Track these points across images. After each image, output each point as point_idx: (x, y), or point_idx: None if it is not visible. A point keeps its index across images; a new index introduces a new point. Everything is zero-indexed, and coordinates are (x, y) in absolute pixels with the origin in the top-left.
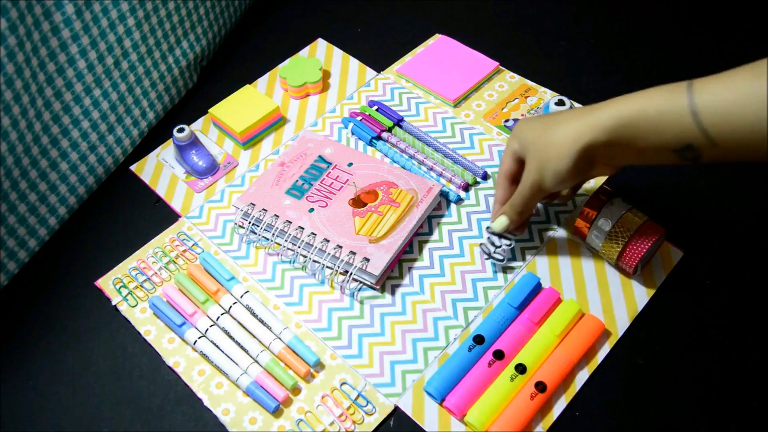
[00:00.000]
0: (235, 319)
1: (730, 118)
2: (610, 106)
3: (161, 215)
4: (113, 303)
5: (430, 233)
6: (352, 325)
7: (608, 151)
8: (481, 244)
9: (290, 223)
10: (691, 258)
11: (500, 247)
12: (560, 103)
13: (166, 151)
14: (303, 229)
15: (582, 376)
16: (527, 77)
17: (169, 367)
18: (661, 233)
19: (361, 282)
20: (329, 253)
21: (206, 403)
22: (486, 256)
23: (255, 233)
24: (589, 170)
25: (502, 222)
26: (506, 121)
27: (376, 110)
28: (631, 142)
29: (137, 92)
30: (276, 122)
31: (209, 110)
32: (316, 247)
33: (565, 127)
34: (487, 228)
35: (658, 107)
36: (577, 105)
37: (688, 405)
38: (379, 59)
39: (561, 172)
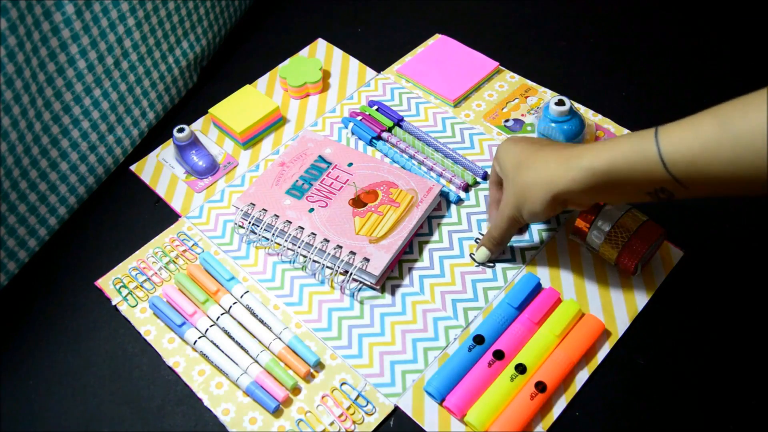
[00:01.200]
0: (235, 319)
1: (697, 164)
2: (583, 157)
3: (161, 215)
4: (113, 303)
5: (430, 234)
6: (352, 325)
7: (581, 197)
8: (471, 254)
9: (290, 223)
10: (691, 258)
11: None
12: (560, 103)
13: (166, 151)
14: (303, 229)
15: (582, 376)
16: (527, 77)
17: (169, 367)
18: (661, 233)
19: (361, 282)
20: (329, 253)
21: (206, 403)
22: (476, 264)
23: (255, 233)
24: (563, 209)
25: (483, 253)
26: (506, 121)
27: (376, 110)
28: (604, 189)
29: (137, 92)
30: (276, 122)
31: (209, 110)
32: (316, 247)
33: (540, 173)
34: (471, 255)
35: (628, 158)
36: (577, 105)
37: (688, 405)
38: (379, 59)
39: (535, 213)
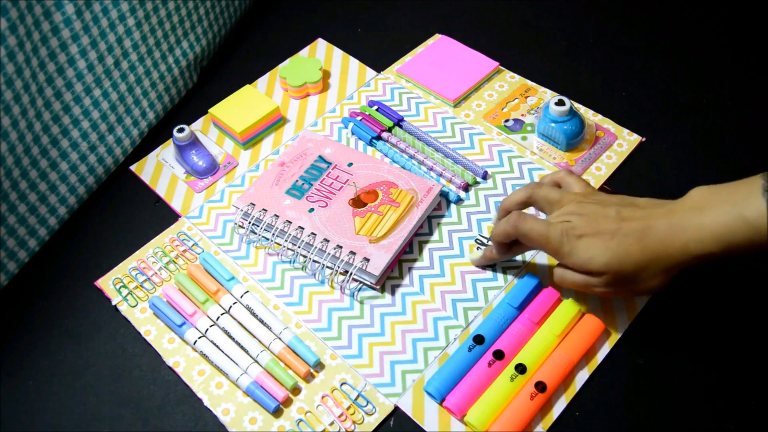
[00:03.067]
0: (235, 319)
1: None
2: (687, 248)
3: (161, 215)
4: (113, 303)
5: (430, 233)
6: (352, 325)
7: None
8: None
9: (290, 223)
10: None
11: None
12: (560, 103)
13: (166, 151)
14: (303, 229)
15: (582, 376)
16: (527, 77)
17: (169, 367)
18: None
19: (361, 282)
20: (329, 253)
21: (206, 403)
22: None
23: (255, 233)
24: None
25: (477, 255)
26: (506, 121)
27: (376, 110)
28: (725, 257)
29: (137, 92)
30: (276, 122)
31: (209, 110)
32: (316, 247)
33: (651, 276)
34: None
35: (735, 232)
36: (577, 105)
37: (688, 405)
38: (379, 59)
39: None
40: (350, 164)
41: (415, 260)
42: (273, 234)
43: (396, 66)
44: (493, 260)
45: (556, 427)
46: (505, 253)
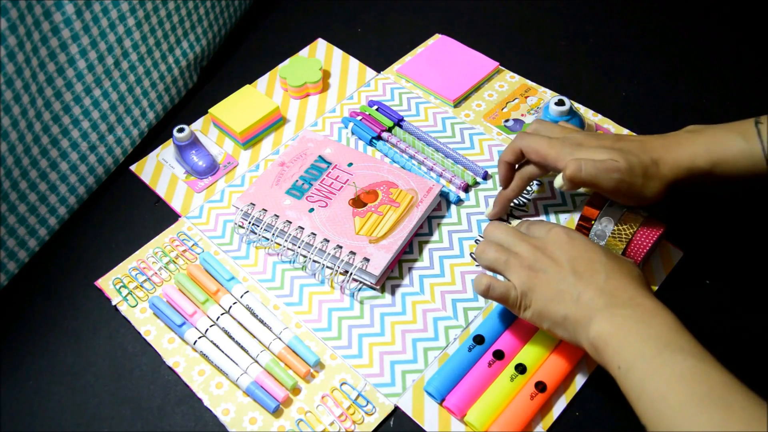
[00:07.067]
0: (235, 319)
1: None
2: (686, 151)
3: (161, 215)
4: (113, 303)
5: (430, 234)
6: (352, 325)
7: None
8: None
9: (290, 223)
10: (691, 258)
11: None
12: (560, 103)
13: (166, 151)
14: (303, 229)
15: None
16: (527, 77)
17: (169, 367)
18: (663, 229)
19: (361, 282)
20: (329, 253)
21: (206, 403)
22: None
23: (255, 233)
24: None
25: (489, 208)
26: (506, 121)
27: (376, 110)
28: (705, 174)
29: (137, 92)
30: (276, 122)
31: (209, 110)
32: (316, 247)
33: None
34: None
35: (726, 155)
36: (577, 105)
37: None
38: (379, 59)
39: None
40: (350, 164)
41: (415, 260)
42: (273, 234)
43: (396, 66)
44: (504, 201)
45: (556, 427)
46: (508, 181)
